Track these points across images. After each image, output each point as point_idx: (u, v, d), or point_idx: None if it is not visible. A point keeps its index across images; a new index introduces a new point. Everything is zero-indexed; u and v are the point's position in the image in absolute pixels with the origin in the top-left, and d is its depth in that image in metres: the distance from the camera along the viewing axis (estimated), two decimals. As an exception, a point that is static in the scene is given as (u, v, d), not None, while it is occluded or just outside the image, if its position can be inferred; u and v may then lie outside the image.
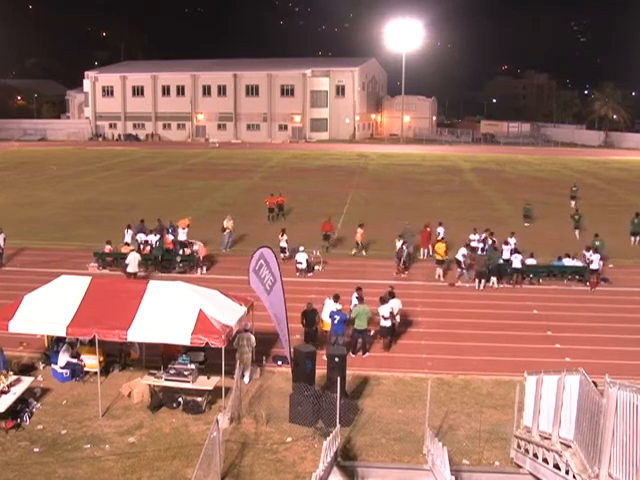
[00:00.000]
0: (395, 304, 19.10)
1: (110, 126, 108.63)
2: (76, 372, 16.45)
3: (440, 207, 41.64)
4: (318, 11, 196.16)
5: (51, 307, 15.36)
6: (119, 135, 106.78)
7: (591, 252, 25.26)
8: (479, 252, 26.76)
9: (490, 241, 27.15)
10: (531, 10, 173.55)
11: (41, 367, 17.05)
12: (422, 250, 29.16)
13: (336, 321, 17.84)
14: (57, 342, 16.71)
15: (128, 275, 24.08)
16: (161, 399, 15.16)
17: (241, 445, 13.52)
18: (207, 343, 14.55)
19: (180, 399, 15.06)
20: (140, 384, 15.42)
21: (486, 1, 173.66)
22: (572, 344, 19.22)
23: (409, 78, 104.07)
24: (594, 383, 9.69)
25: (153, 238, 27.53)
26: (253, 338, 16.66)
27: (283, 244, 27.83)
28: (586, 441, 9.61)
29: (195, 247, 27.01)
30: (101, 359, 15.94)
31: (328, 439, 11.92)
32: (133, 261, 24.29)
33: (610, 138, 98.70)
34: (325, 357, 15.66)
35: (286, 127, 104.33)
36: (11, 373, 15.10)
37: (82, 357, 16.59)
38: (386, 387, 16.45)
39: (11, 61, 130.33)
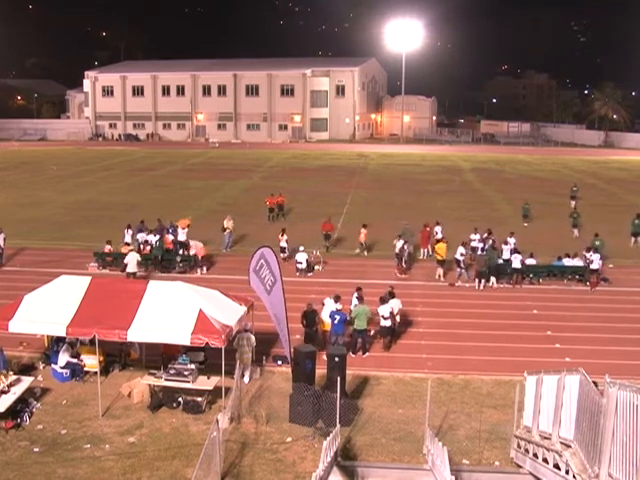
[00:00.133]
0: (395, 304, 19.11)
1: (110, 126, 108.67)
2: (76, 372, 16.45)
3: (440, 207, 41.64)
4: (318, 11, 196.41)
5: (51, 307, 15.36)
6: (119, 135, 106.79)
7: (591, 252, 25.27)
8: (479, 252, 26.78)
9: (490, 241, 27.14)
10: (531, 10, 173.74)
11: (41, 367, 17.05)
12: (422, 250, 29.16)
13: (336, 321, 17.84)
14: (57, 342, 16.71)
15: (127, 275, 24.11)
16: (161, 399, 15.16)
17: (241, 445, 13.52)
18: (207, 343, 14.55)
19: (180, 399, 15.07)
20: (140, 384, 15.42)
21: (486, 1, 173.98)
22: (572, 344, 19.22)
23: (409, 78, 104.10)
24: (594, 383, 9.69)
25: (153, 238, 27.51)
26: (253, 338, 16.66)
27: (283, 244, 27.83)
28: (586, 441, 9.61)
29: (192, 251, 26.85)
30: (101, 359, 15.94)
31: (328, 439, 11.92)
32: (132, 261, 24.29)
33: (610, 138, 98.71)
34: (325, 357, 15.67)
35: (286, 127, 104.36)
36: (11, 373, 15.10)
37: (82, 357, 16.59)
38: (386, 387, 16.45)
39: (11, 61, 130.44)
